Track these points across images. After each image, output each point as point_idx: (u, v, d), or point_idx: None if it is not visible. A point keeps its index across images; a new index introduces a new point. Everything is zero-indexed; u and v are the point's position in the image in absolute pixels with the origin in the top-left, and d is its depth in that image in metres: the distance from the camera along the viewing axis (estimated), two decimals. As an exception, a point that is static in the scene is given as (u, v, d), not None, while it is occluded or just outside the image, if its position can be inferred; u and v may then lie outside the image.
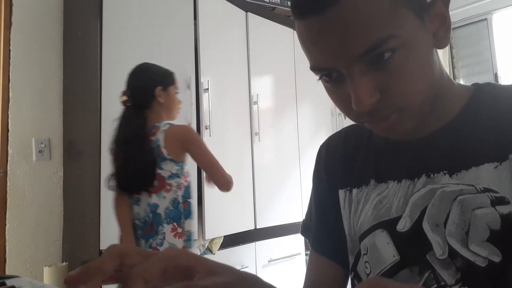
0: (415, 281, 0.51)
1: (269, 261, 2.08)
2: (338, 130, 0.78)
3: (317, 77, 0.51)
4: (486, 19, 2.73)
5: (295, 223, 2.24)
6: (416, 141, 0.56)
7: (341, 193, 0.64)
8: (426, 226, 0.50)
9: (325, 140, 0.72)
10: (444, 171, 0.51)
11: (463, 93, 0.56)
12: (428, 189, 0.52)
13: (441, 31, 0.50)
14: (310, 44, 0.48)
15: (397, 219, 0.54)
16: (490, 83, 0.56)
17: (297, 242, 2.26)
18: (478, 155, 0.49)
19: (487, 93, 0.55)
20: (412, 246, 0.52)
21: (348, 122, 0.62)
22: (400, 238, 0.53)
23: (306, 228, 0.73)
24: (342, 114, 2.57)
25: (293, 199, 2.28)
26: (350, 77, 0.46)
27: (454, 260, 0.48)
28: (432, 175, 0.52)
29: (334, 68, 0.47)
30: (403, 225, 0.53)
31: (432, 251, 0.49)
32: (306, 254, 2.32)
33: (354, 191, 0.62)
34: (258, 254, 2.04)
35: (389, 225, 0.54)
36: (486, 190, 0.47)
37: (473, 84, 0.58)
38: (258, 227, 2.03)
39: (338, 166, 0.66)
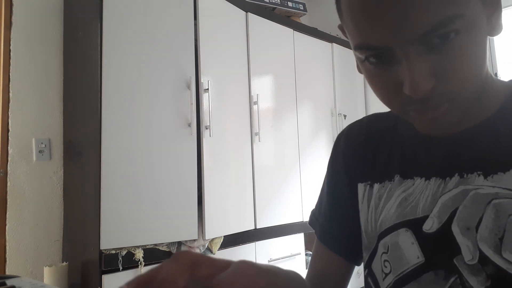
0: (439, 285, 0.48)
1: (269, 261, 2.08)
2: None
3: (362, 57, 0.46)
4: (486, 19, 2.73)
5: (295, 223, 2.24)
6: (449, 137, 0.52)
7: (361, 186, 0.60)
8: (455, 228, 0.47)
9: (345, 128, 0.68)
10: (479, 172, 0.48)
11: (502, 88, 0.52)
12: (460, 189, 0.48)
13: (493, 17, 0.47)
14: (364, 18, 0.43)
15: (424, 218, 0.50)
16: None
17: (297, 242, 2.26)
18: None
19: None
20: (439, 248, 0.48)
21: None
22: (426, 239, 0.50)
23: (314, 218, 0.69)
24: (342, 114, 2.58)
25: (293, 199, 2.27)
26: (406, 57, 0.42)
27: (485, 267, 0.45)
28: (465, 175, 0.48)
29: (387, 47, 0.43)
30: (430, 226, 0.49)
31: (461, 255, 0.46)
32: (306, 254, 2.32)
33: (376, 186, 0.58)
34: (258, 254, 2.03)
35: (415, 225, 0.51)
36: None
37: (510, 80, 0.54)
38: (258, 227, 2.02)
39: (359, 158, 0.62)
